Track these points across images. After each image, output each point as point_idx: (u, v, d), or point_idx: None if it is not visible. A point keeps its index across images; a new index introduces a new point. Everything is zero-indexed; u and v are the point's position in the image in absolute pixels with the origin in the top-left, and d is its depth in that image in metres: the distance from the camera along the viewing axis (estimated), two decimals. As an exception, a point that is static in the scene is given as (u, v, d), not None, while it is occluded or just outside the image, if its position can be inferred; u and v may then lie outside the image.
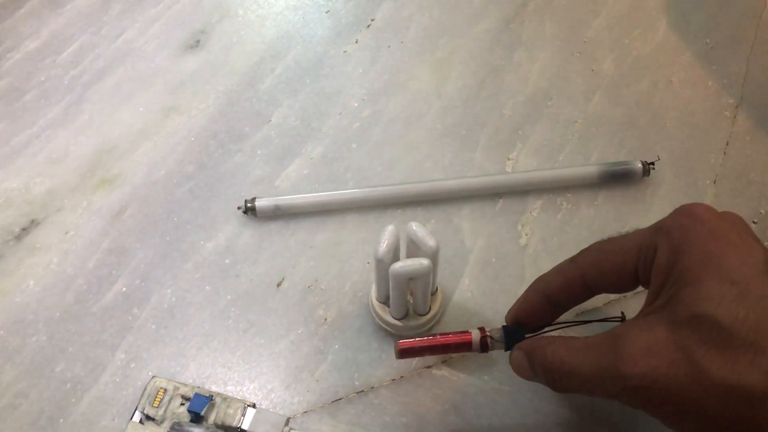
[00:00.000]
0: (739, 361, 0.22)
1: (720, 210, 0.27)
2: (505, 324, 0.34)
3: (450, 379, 0.37)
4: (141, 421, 0.34)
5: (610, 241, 0.30)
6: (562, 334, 0.31)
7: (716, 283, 0.24)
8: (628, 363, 0.24)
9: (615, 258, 0.29)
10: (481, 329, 0.33)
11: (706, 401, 0.23)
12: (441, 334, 0.33)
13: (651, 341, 0.24)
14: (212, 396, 0.35)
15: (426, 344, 0.33)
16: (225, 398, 0.35)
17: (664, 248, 0.26)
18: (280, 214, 0.43)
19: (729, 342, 0.23)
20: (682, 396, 0.23)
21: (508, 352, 0.33)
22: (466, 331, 0.33)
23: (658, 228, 0.27)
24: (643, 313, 0.26)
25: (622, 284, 0.29)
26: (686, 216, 0.26)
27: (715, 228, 0.25)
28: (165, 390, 0.35)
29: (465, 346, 0.33)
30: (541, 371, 0.29)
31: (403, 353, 0.34)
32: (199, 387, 0.36)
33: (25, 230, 0.43)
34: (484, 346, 0.33)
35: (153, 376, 0.36)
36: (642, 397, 0.25)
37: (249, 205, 0.42)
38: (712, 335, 0.23)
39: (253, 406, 0.35)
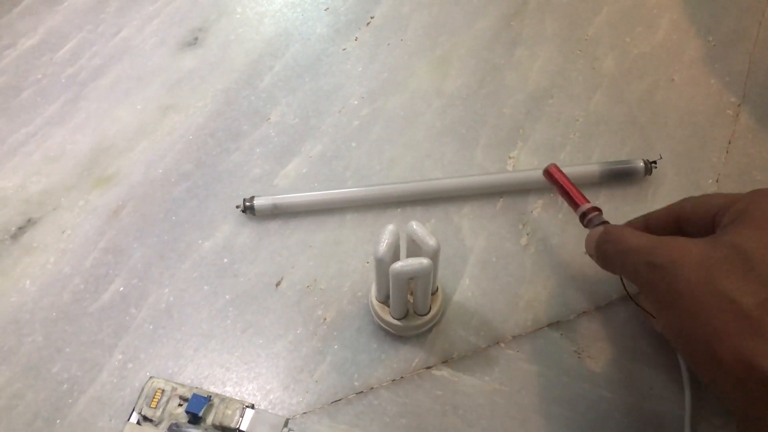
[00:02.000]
0: (746, 287, 0.27)
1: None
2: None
3: (450, 380, 0.36)
4: (138, 422, 0.34)
5: (716, 193, 0.36)
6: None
7: (764, 233, 0.29)
8: (663, 249, 0.30)
9: (709, 202, 0.34)
10: (596, 207, 0.37)
11: (703, 300, 0.28)
12: (574, 186, 0.39)
13: (690, 247, 0.30)
14: (210, 397, 0.34)
15: (561, 181, 0.39)
16: (223, 399, 0.35)
17: (745, 201, 0.31)
18: (278, 213, 0.42)
19: (747, 271, 0.28)
20: (687, 288, 0.29)
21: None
22: (587, 200, 0.38)
23: (751, 191, 0.32)
24: None
25: (702, 226, 0.33)
26: None
27: None
28: (163, 391, 0.35)
29: (575, 205, 0.38)
30: (604, 237, 0.35)
31: (548, 174, 0.40)
32: (197, 387, 0.35)
33: (21, 229, 0.42)
34: (584, 216, 0.37)
35: (150, 377, 0.36)
36: (656, 274, 0.30)
37: (248, 203, 0.42)
38: (737, 261, 0.28)
39: (252, 407, 0.34)
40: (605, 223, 0.37)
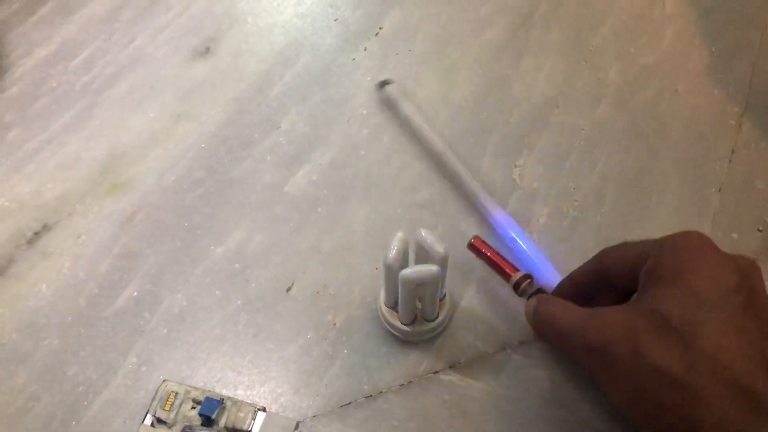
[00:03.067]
0: (672, 353, 0.27)
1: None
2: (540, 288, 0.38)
3: (458, 385, 0.37)
4: (152, 424, 0.35)
5: (632, 242, 0.34)
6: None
7: (681, 291, 0.28)
8: (593, 329, 0.31)
9: (625, 255, 0.33)
10: (526, 275, 0.37)
11: (637, 375, 0.28)
12: (501, 257, 0.39)
13: (616, 320, 0.30)
14: (223, 400, 0.35)
15: (488, 254, 0.39)
16: (235, 402, 0.35)
17: (655, 257, 0.31)
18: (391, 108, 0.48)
19: (670, 337, 0.27)
20: (622, 366, 0.29)
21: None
22: (516, 269, 0.38)
23: (660, 241, 0.31)
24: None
25: (625, 279, 0.33)
26: (682, 237, 0.31)
27: (700, 252, 0.30)
28: (176, 393, 0.35)
29: (506, 276, 0.38)
30: (537, 317, 0.35)
31: (471, 248, 0.39)
32: (209, 391, 0.36)
33: (37, 235, 0.43)
34: (517, 286, 0.37)
35: (164, 380, 0.36)
36: (593, 357, 0.31)
37: (385, 82, 0.48)
38: (660, 327, 0.28)
39: (264, 410, 0.35)
40: (539, 290, 0.37)
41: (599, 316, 0.31)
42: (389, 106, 0.48)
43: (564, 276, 0.38)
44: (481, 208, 0.43)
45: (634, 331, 0.28)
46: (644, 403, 0.28)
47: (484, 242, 0.39)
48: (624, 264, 0.33)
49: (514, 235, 0.41)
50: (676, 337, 0.27)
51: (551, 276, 0.39)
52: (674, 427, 0.27)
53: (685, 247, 0.30)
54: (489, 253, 0.39)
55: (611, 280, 0.34)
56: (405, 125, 0.48)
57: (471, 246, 0.39)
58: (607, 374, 0.30)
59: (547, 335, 0.35)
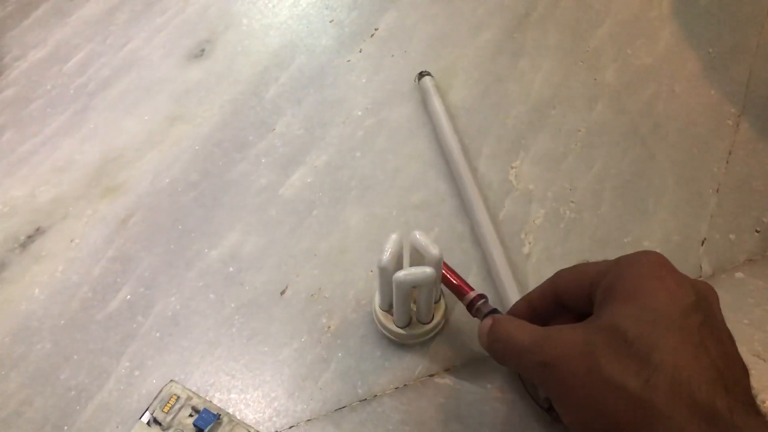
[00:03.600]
0: (629, 368, 0.26)
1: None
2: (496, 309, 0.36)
3: (453, 388, 0.37)
4: (149, 423, 0.34)
5: (587, 263, 0.34)
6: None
7: (638, 307, 0.28)
8: (549, 345, 0.30)
9: (581, 276, 0.32)
10: (481, 295, 0.36)
11: (593, 391, 0.27)
12: (457, 275, 0.37)
13: (572, 337, 0.29)
14: (220, 415, 0.35)
15: (442, 271, 0.37)
16: (231, 420, 0.35)
17: (612, 274, 0.30)
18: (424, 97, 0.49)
19: (627, 352, 0.27)
20: (577, 381, 0.28)
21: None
22: (471, 288, 0.37)
23: (616, 260, 0.31)
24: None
25: (580, 300, 0.32)
26: (640, 256, 0.30)
27: (658, 271, 0.29)
28: (178, 397, 0.35)
29: (461, 295, 0.37)
30: (492, 335, 0.34)
31: None
32: (210, 402, 0.36)
33: (30, 238, 0.43)
34: (471, 305, 0.36)
35: (171, 380, 0.36)
36: (548, 374, 0.29)
37: (423, 74, 0.49)
38: (617, 343, 0.27)
39: (258, 435, 0.35)
40: (494, 311, 0.36)
41: (556, 333, 0.30)
42: (422, 97, 0.49)
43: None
44: (472, 217, 0.43)
45: (590, 347, 0.28)
46: (600, 420, 0.27)
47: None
48: (579, 285, 0.32)
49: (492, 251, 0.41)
50: (632, 353, 0.26)
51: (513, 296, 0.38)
52: None
53: (643, 265, 0.29)
54: (444, 271, 0.37)
55: (566, 302, 0.33)
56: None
57: None
58: (562, 391, 0.29)
59: (502, 354, 0.34)
